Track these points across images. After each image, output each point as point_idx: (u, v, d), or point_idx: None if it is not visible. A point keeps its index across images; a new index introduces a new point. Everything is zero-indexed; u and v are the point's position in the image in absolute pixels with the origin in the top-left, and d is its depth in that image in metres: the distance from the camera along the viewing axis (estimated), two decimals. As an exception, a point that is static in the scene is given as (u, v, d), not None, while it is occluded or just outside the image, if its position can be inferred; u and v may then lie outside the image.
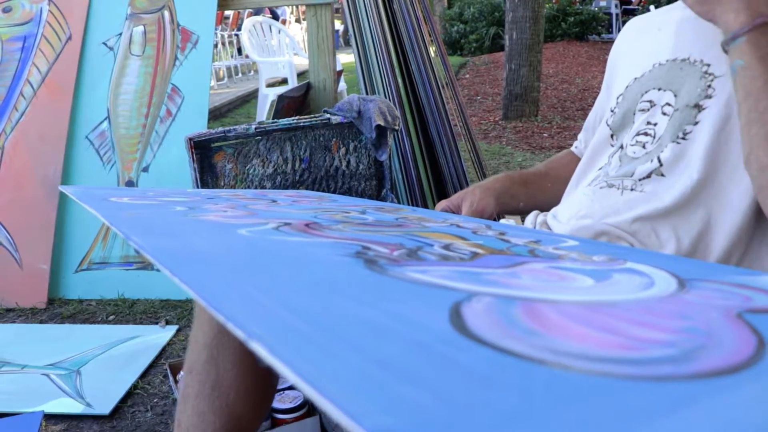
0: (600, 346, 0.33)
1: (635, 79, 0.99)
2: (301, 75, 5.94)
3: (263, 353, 0.29)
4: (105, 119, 2.43)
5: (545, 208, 1.13)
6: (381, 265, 0.49)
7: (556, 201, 1.14)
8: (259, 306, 0.36)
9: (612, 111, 1.01)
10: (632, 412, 0.25)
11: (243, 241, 0.59)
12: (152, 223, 0.70)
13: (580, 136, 1.23)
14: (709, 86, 0.87)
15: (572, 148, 1.25)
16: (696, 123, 0.87)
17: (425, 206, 2.37)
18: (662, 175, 0.89)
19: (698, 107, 0.88)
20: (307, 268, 0.49)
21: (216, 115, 6.21)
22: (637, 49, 1.05)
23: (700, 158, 0.86)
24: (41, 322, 2.14)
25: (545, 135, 5.13)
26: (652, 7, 8.51)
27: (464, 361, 0.29)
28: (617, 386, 0.28)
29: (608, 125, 1.02)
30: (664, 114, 0.92)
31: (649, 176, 0.90)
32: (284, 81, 6.17)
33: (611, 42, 9.04)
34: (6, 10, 2.53)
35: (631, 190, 0.91)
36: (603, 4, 10.98)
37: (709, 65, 0.89)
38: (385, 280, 0.45)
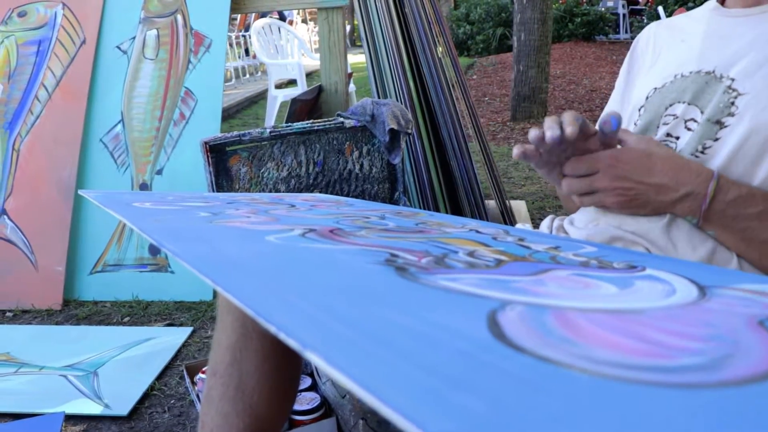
0: (633, 355, 0.35)
1: (655, 89, 1.00)
2: (308, 76, 5.96)
3: (320, 363, 0.30)
4: (119, 122, 2.45)
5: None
6: (412, 273, 0.50)
7: None
8: (304, 315, 0.38)
9: (635, 124, 1.02)
10: (670, 419, 0.27)
11: (273, 248, 0.60)
12: (180, 229, 0.71)
13: None
14: (732, 103, 0.88)
15: None
16: (716, 139, 0.89)
17: (436, 209, 2.38)
18: None
19: (720, 124, 0.89)
20: (342, 275, 0.51)
21: (224, 116, 6.21)
22: (659, 58, 1.06)
23: None
24: (57, 323, 2.16)
25: (553, 136, 5.12)
26: (660, 8, 8.49)
27: (508, 369, 0.31)
28: (653, 394, 0.29)
29: None
30: (688, 129, 0.92)
31: None
32: (291, 82, 6.19)
33: (618, 42, 9.00)
34: (21, 15, 2.56)
35: None
36: (610, 4, 10.96)
37: (733, 80, 0.90)
38: (418, 288, 0.46)
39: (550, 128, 0.85)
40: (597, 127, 0.89)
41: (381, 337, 0.34)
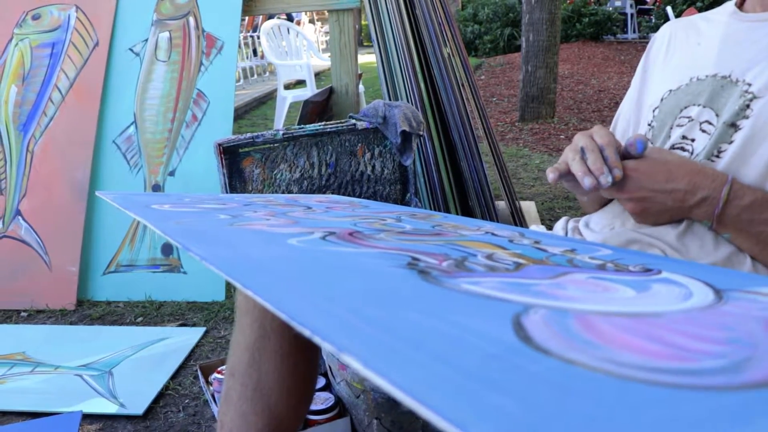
0: (656, 358, 0.36)
1: (670, 91, 1.01)
2: (316, 76, 5.98)
3: (357, 366, 0.32)
4: (132, 124, 2.47)
5: (594, 203, 1.14)
6: (435, 277, 0.51)
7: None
8: (336, 318, 0.39)
9: (650, 125, 1.03)
10: (697, 419, 0.28)
11: (297, 251, 0.61)
12: (204, 232, 0.73)
13: None
14: (748, 106, 0.89)
15: None
16: (731, 142, 0.90)
17: (447, 210, 2.39)
18: None
19: (735, 126, 0.90)
20: (367, 279, 0.52)
21: (233, 117, 6.24)
22: (673, 58, 1.06)
23: None
24: (71, 323, 2.18)
25: (562, 137, 5.13)
26: (668, 8, 8.47)
27: (537, 371, 0.32)
28: (680, 396, 0.30)
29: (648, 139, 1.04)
30: (703, 131, 0.93)
31: None
32: (300, 83, 6.21)
33: (626, 42, 8.96)
34: (35, 18, 2.58)
35: None
36: (618, 4, 10.94)
37: (750, 84, 0.91)
38: (442, 291, 0.48)
39: (602, 173, 0.87)
40: (624, 146, 0.90)
41: (413, 339, 0.36)
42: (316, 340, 0.35)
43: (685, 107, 0.97)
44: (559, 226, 1.10)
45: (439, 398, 0.27)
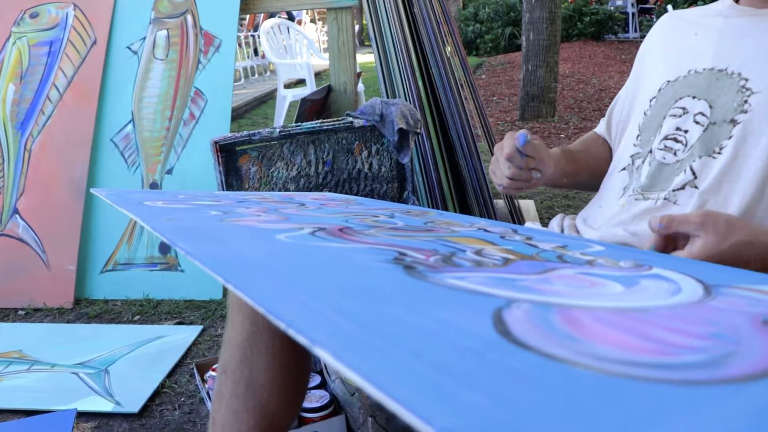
0: (637, 352, 0.35)
1: (668, 81, 1.01)
2: (317, 75, 5.98)
3: (328, 359, 0.31)
4: (129, 122, 2.47)
5: (585, 186, 1.16)
6: (420, 272, 0.51)
7: (596, 180, 1.12)
8: (314, 312, 0.39)
9: (645, 114, 1.03)
10: (671, 414, 0.28)
11: (284, 247, 0.61)
12: (192, 228, 0.72)
13: (603, 121, 1.22)
14: (746, 101, 0.89)
15: (596, 130, 1.24)
16: (730, 137, 0.89)
17: (445, 208, 2.39)
18: (696, 187, 0.91)
19: (733, 122, 0.90)
20: (351, 274, 0.52)
21: (233, 116, 6.21)
22: (671, 48, 1.07)
23: (725, 173, 0.88)
24: (68, 321, 2.18)
25: (562, 136, 5.13)
26: (669, 6, 8.46)
27: (513, 366, 0.32)
28: (655, 390, 0.30)
29: (638, 127, 1.04)
30: (697, 123, 0.93)
31: (683, 188, 0.92)
32: (300, 82, 6.21)
33: (628, 42, 8.94)
34: (33, 16, 2.58)
35: (665, 199, 0.93)
36: (619, 3, 10.92)
37: (747, 79, 0.91)
38: (426, 286, 0.47)
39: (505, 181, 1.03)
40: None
41: (389, 334, 0.35)
42: (291, 333, 0.35)
43: (680, 98, 0.97)
44: (554, 223, 1.10)
45: (410, 392, 0.27)
